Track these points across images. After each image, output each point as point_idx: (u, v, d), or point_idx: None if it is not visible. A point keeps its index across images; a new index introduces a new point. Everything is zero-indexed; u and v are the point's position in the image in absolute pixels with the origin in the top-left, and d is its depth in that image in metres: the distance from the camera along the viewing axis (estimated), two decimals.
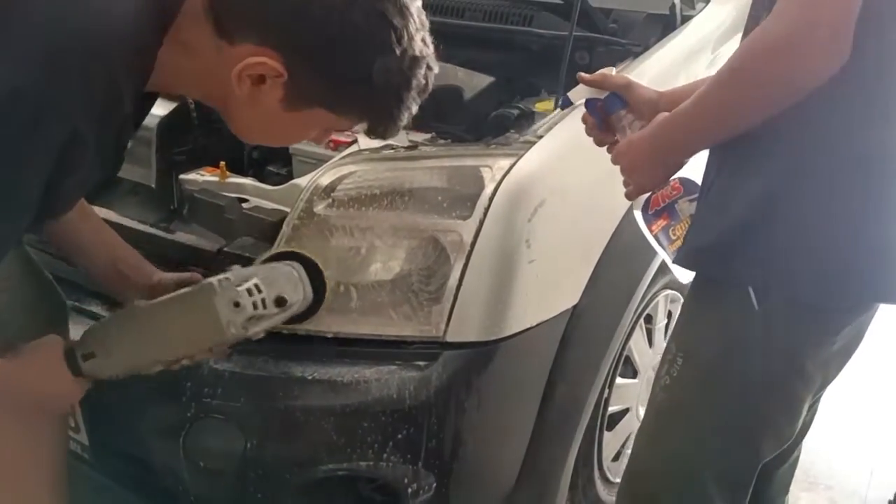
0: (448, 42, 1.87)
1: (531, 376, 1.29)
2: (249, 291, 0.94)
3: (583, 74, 1.09)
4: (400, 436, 1.14)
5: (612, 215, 1.32)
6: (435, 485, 1.18)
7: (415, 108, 0.89)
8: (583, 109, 1.11)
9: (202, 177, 1.39)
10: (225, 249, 1.20)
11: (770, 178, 0.90)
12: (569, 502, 1.45)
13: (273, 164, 1.59)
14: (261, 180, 1.47)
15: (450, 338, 1.16)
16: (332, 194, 1.19)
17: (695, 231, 1.01)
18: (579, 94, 1.07)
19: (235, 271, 0.98)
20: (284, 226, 1.18)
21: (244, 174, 1.52)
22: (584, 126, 1.13)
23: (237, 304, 0.93)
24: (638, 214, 1.09)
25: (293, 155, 1.54)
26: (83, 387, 0.96)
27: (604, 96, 1.07)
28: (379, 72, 0.81)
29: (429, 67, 0.87)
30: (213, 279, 0.95)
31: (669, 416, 1.03)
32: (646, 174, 1.01)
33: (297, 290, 1.00)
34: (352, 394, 1.12)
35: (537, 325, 1.23)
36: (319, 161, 1.48)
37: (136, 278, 1.07)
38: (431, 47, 0.87)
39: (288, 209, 1.24)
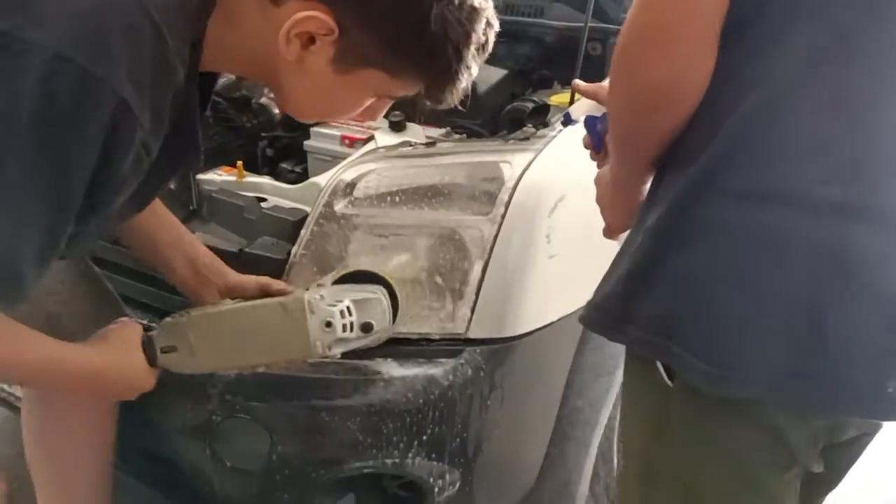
0: None
1: (553, 370, 1.29)
2: (342, 313, 0.95)
3: (578, 82, 1.01)
4: (425, 433, 1.14)
5: None
6: (459, 481, 1.19)
7: (475, 69, 0.82)
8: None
9: (220, 177, 1.39)
10: (246, 250, 1.20)
11: (671, 198, 0.72)
12: (590, 496, 1.46)
13: (287, 161, 1.59)
14: (275, 178, 1.47)
15: (472, 334, 1.16)
16: (352, 193, 1.19)
17: (600, 283, 0.83)
18: (580, 110, 1.01)
19: (328, 288, 0.98)
20: (304, 228, 1.17)
21: (258, 172, 1.52)
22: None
23: (328, 325, 0.93)
24: None
25: (308, 152, 1.54)
26: (155, 376, 0.96)
27: (601, 113, 0.98)
28: (436, 20, 0.75)
29: (489, 24, 0.82)
30: (307, 295, 0.94)
31: None
32: (608, 212, 0.91)
33: (384, 319, 1.02)
34: (376, 392, 1.12)
35: (559, 319, 1.23)
36: (335, 158, 1.48)
37: (214, 279, 1.06)
38: (490, 3, 0.82)
39: (307, 208, 1.24)
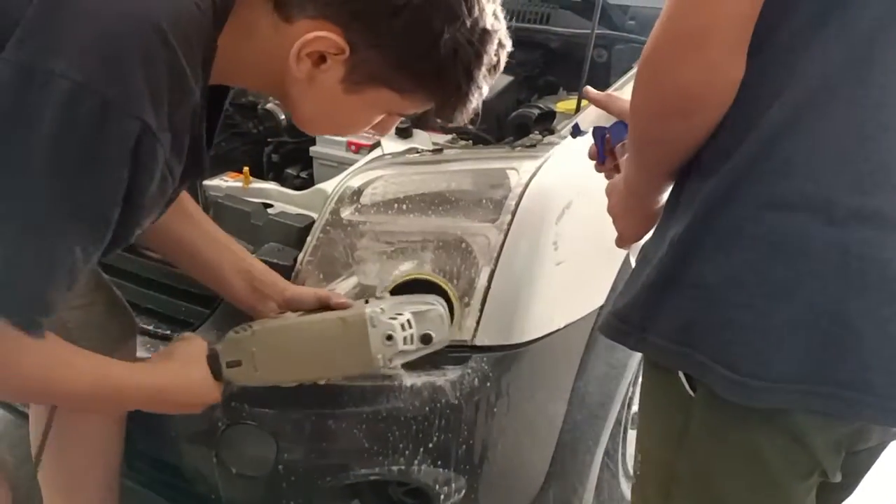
0: None
1: (559, 377, 1.29)
2: (403, 326, 0.96)
3: (589, 89, 1.00)
4: (431, 440, 1.14)
5: None
6: (465, 488, 1.19)
7: (486, 89, 0.83)
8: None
9: (226, 182, 1.39)
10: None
11: (695, 206, 0.71)
12: (595, 502, 1.46)
13: (293, 166, 1.60)
14: (280, 183, 1.47)
15: (479, 341, 1.16)
16: (359, 199, 1.19)
17: (620, 291, 0.83)
18: (588, 120, 1.02)
19: (387, 300, 0.99)
20: (311, 235, 1.18)
21: (264, 177, 1.52)
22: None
23: (389, 338, 0.94)
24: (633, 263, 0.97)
25: (314, 158, 1.55)
26: (221, 390, 0.97)
27: (610, 124, 0.98)
28: (447, 42, 0.76)
29: (501, 44, 0.82)
30: (367, 309, 0.95)
31: None
32: (620, 222, 0.91)
33: (442, 330, 1.02)
34: (383, 400, 1.12)
35: (565, 326, 1.23)
36: (340, 164, 1.48)
37: (270, 293, 1.06)
38: (504, 23, 0.82)
39: (313, 214, 1.24)
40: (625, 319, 0.78)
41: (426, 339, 0.99)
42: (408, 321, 0.97)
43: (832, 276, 0.66)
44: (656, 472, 0.82)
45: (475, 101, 0.83)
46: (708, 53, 0.66)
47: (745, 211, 0.69)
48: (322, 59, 0.78)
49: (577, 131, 1.05)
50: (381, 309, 0.96)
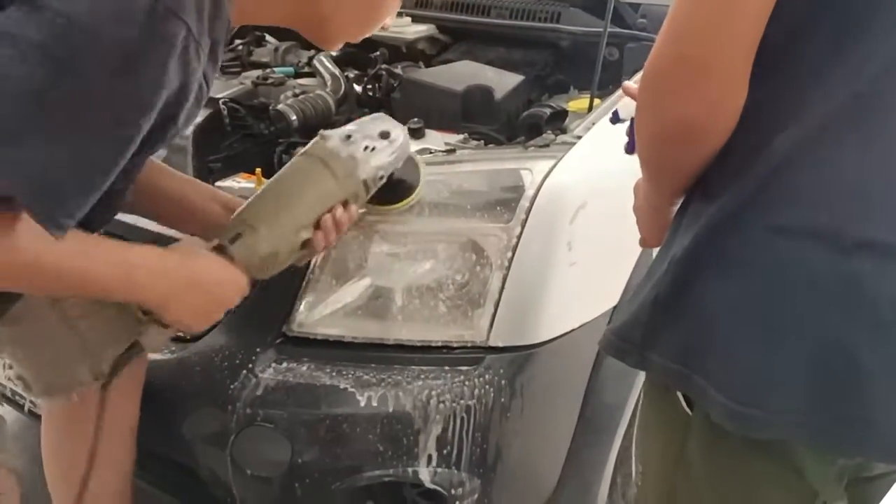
0: (475, 40, 1.84)
1: (573, 378, 1.29)
2: (355, 130, 1.05)
3: (627, 85, 0.98)
4: (445, 442, 1.14)
5: None
6: (479, 490, 1.18)
7: None
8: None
9: (238, 184, 1.39)
10: None
11: (698, 228, 0.70)
12: (608, 502, 1.45)
13: None
14: None
15: (493, 342, 1.16)
16: None
17: (620, 308, 0.85)
18: (628, 109, 1.02)
19: (336, 129, 1.07)
20: None
21: None
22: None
23: (348, 137, 1.03)
24: None
25: None
26: (243, 275, 0.98)
27: None
28: None
29: None
30: (316, 138, 1.05)
31: None
32: (640, 223, 0.90)
33: (397, 129, 1.08)
34: (397, 401, 1.12)
35: (579, 327, 1.22)
36: None
37: (238, 204, 1.09)
38: None
39: None
40: (625, 338, 0.76)
41: (385, 135, 1.06)
42: (357, 128, 1.06)
43: (838, 308, 0.63)
44: (657, 486, 0.80)
45: None
46: (708, 86, 0.64)
47: (749, 237, 0.67)
48: None
49: (616, 118, 1.04)
50: (330, 131, 1.06)
